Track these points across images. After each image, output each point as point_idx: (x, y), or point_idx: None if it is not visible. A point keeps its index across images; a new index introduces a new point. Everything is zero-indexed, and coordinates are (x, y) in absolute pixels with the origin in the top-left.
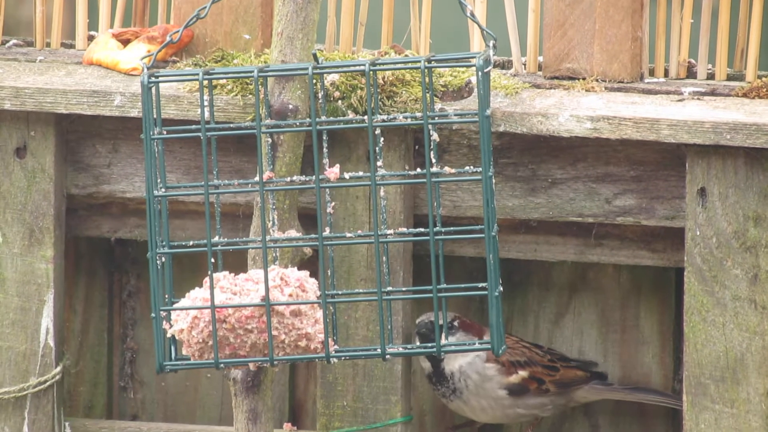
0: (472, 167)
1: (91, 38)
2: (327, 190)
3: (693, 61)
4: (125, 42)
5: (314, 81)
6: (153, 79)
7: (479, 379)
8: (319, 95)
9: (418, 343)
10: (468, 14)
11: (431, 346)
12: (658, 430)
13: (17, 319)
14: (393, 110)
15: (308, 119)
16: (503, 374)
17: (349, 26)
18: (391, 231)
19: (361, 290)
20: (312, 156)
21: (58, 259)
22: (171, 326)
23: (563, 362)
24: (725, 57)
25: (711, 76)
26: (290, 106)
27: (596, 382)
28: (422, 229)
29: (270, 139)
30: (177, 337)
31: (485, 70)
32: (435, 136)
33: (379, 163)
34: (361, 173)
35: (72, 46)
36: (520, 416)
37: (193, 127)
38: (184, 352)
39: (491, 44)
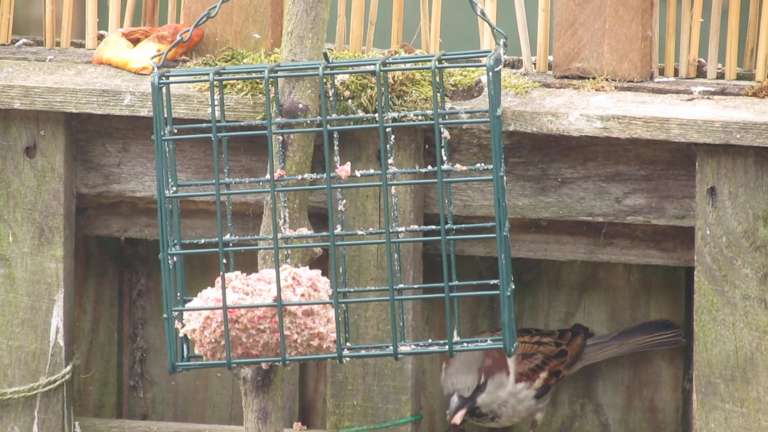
0: (483, 165)
1: (101, 37)
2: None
3: (703, 60)
4: (135, 41)
5: (324, 80)
6: (163, 79)
7: (516, 402)
8: (330, 94)
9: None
10: (478, 13)
11: (443, 343)
12: (668, 429)
13: (27, 319)
14: (403, 109)
15: (318, 118)
16: (531, 387)
17: (359, 25)
18: (402, 229)
19: (373, 288)
20: (322, 155)
21: (67, 259)
22: (183, 326)
23: (563, 339)
24: (735, 56)
25: (721, 76)
26: (300, 105)
27: (588, 341)
28: (434, 227)
29: (280, 138)
30: (189, 337)
31: (496, 70)
32: (446, 134)
33: (390, 161)
34: (372, 171)
35: (82, 46)
36: (540, 407)
37: (204, 126)
38: (196, 352)
39: (502, 43)
